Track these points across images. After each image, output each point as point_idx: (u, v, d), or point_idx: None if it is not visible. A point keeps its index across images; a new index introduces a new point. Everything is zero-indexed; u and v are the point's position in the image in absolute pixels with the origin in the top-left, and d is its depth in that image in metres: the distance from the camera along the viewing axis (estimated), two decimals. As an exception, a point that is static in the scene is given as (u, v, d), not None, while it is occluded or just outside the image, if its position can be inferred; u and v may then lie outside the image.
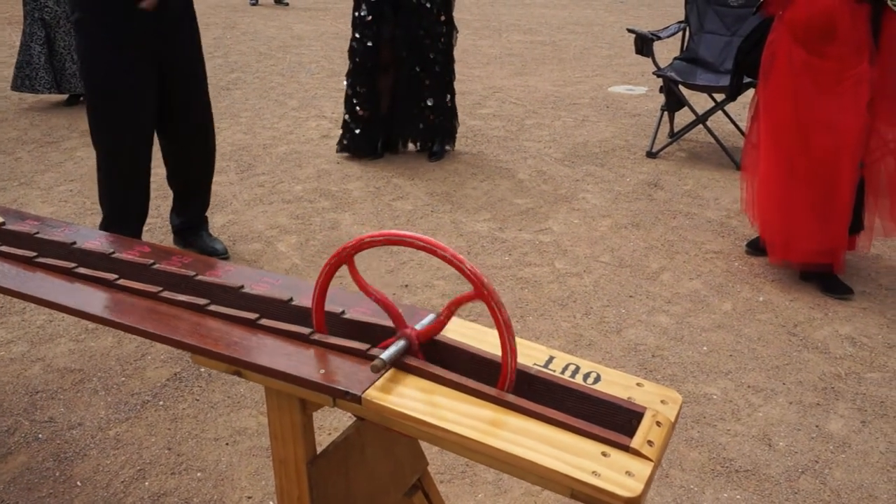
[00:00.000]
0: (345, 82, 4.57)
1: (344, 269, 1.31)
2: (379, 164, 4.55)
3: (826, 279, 3.14)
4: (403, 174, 4.41)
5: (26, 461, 2.17)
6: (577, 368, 1.28)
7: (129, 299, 1.52)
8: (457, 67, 4.66)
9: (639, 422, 1.15)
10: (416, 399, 1.19)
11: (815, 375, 2.61)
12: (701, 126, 4.67)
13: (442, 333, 1.34)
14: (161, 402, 2.42)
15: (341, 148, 4.64)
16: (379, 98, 4.53)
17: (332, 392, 1.23)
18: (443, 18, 4.40)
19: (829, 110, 2.93)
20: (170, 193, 3.41)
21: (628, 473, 1.05)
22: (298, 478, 1.33)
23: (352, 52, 4.45)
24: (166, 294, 1.50)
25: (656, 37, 4.67)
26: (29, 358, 2.65)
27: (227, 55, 7.41)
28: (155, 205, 3.44)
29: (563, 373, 1.26)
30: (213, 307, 1.45)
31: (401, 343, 1.27)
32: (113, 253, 1.69)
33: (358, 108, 4.50)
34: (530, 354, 1.30)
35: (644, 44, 4.64)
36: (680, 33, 4.94)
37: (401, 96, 4.54)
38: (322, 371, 1.26)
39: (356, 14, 4.39)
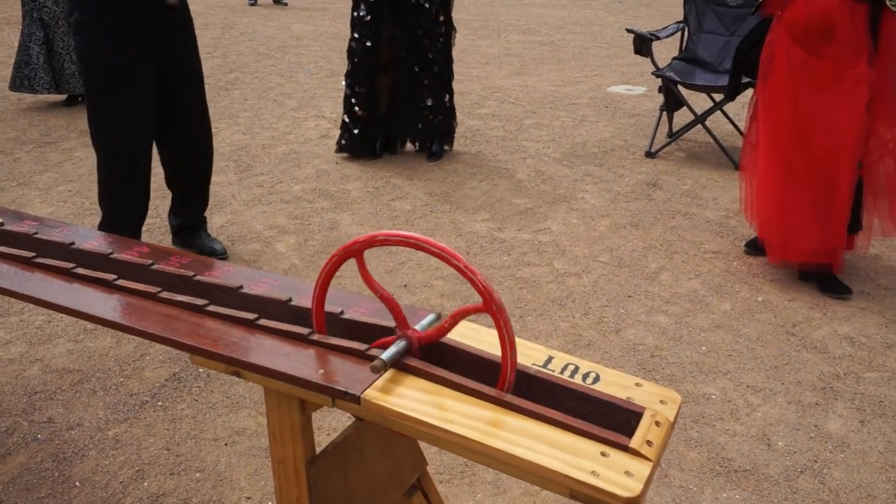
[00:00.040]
0: (343, 82, 4.56)
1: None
2: (378, 165, 4.55)
3: (825, 279, 3.14)
4: (402, 174, 4.41)
5: (25, 462, 2.17)
6: (577, 368, 1.28)
7: (127, 300, 1.52)
8: (455, 67, 4.67)
9: (638, 422, 1.15)
10: (415, 399, 1.19)
11: (814, 375, 2.62)
12: (700, 126, 4.67)
13: (441, 333, 1.34)
14: (160, 403, 2.42)
15: (340, 148, 4.64)
16: (378, 98, 4.53)
17: (331, 392, 1.23)
18: (441, 18, 4.40)
19: (827, 110, 2.93)
20: (168, 194, 3.41)
21: (627, 473, 1.06)
22: (297, 478, 1.33)
23: (350, 52, 4.45)
24: (165, 294, 1.50)
25: (655, 37, 4.67)
26: (28, 358, 2.65)
27: (226, 55, 7.41)
28: (153, 205, 3.44)
29: (562, 373, 1.26)
30: (211, 307, 1.45)
31: (401, 344, 1.27)
32: (111, 253, 1.68)
33: (357, 108, 4.50)
34: (529, 354, 1.30)
35: (643, 44, 4.64)
36: (679, 33, 4.94)
37: (399, 96, 4.54)
38: (321, 371, 1.26)
39: (355, 14, 4.39)
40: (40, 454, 2.20)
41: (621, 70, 7.07)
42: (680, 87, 4.63)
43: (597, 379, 1.25)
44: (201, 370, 2.56)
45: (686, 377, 2.59)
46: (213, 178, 3.47)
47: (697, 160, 4.70)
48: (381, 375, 1.24)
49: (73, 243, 1.74)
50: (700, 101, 4.94)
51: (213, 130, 3.34)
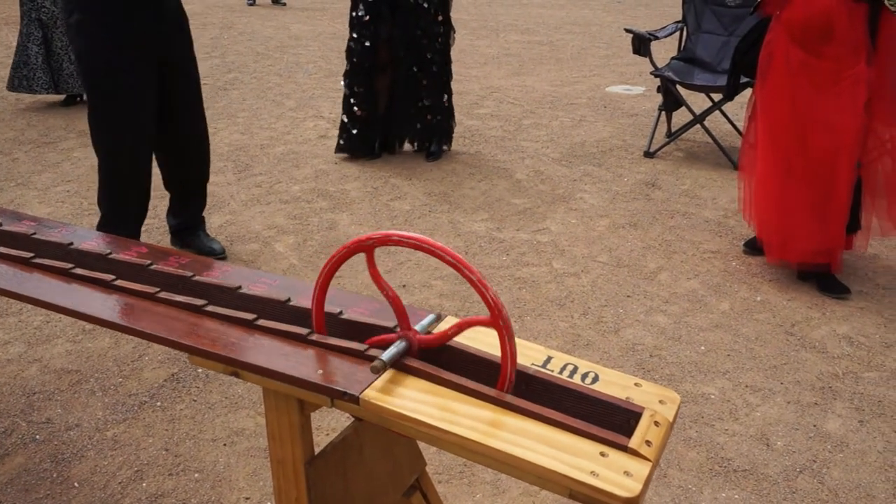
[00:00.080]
0: (342, 83, 4.56)
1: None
2: (376, 165, 4.55)
3: (823, 279, 3.14)
4: (401, 174, 4.40)
5: (24, 462, 2.17)
6: (576, 368, 1.28)
7: (126, 300, 1.51)
8: (454, 67, 4.67)
9: (637, 422, 1.15)
10: (414, 400, 1.19)
11: (813, 375, 2.62)
12: (698, 126, 4.67)
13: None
14: (158, 403, 2.42)
15: (339, 148, 4.64)
16: (377, 98, 4.53)
17: (330, 392, 1.23)
18: (440, 18, 4.40)
19: (826, 110, 2.93)
20: (167, 194, 3.41)
21: (626, 473, 1.05)
22: (296, 478, 1.33)
23: (349, 52, 4.45)
24: (164, 295, 1.50)
25: (654, 37, 4.67)
26: (26, 359, 2.65)
27: (225, 55, 7.40)
28: (152, 205, 3.43)
29: (561, 373, 1.26)
30: (210, 308, 1.45)
31: (401, 344, 1.27)
32: (110, 254, 1.68)
33: (356, 108, 4.50)
34: (528, 354, 1.30)
35: (641, 44, 4.64)
36: (677, 33, 4.94)
37: (398, 96, 4.54)
38: (320, 371, 1.26)
39: (354, 14, 4.38)
40: (39, 455, 2.20)
41: (620, 70, 7.07)
42: (679, 87, 4.63)
43: (596, 379, 1.25)
44: (200, 370, 2.56)
45: (685, 377, 2.59)
46: (212, 179, 3.47)
47: (696, 160, 4.70)
48: (380, 376, 1.24)
49: (71, 243, 1.74)
50: (699, 101, 4.95)
51: (212, 130, 3.35)
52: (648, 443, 1.11)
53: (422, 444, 1.57)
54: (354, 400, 1.20)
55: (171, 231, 3.41)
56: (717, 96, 4.63)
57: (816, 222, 3.02)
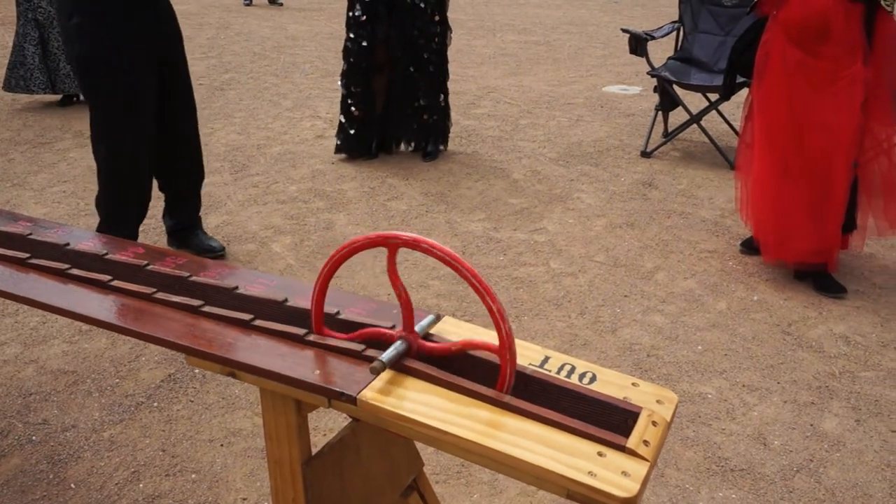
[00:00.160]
0: (339, 83, 4.56)
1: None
2: (373, 165, 4.55)
3: (820, 278, 3.15)
4: (398, 174, 4.40)
5: (20, 463, 2.16)
6: (573, 368, 1.28)
7: (122, 300, 1.51)
8: (451, 67, 4.66)
9: (634, 421, 1.15)
10: (412, 400, 1.19)
11: (810, 374, 2.62)
12: (695, 126, 4.68)
13: (438, 333, 1.34)
14: (155, 404, 2.42)
15: (338, 149, 4.63)
16: (374, 98, 4.53)
17: (327, 393, 1.22)
18: (437, 18, 4.40)
19: (823, 110, 2.93)
20: (163, 195, 3.40)
21: (624, 473, 1.05)
22: (293, 479, 1.33)
23: (346, 53, 4.45)
24: (160, 295, 1.49)
25: (650, 37, 4.67)
26: (22, 360, 2.64)
27: (221, 55, 7.39)
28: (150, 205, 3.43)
29: (558, 373, 1.26)
30: (207, 308, 1.45)
31: (402, 346, 1.26)
32: (106, 254, 1.68)
33: (353, 108, 4.50)
34: (526, 354, 1.30)
35: (638, 44, 4.65)
36: (674, 33, 4.95)
37: (395, 96, 4.54)
38: (317, 372, 1.25)
39: (350, 14, 4.38)
40: (35, 456, 2.19)
41: (617, 70, 7.07)
42: (675, 87, 4.64)
43: (593, 379, 1.25)
44: (197, 371, 2.55)
45: (682, 377, 2.59)
46: (208, 179, 3.47)
47: (693, 160, 4.70)
48: (377, 376, 1.24)
49: (67, 244, 1.73)
50: (695, 101, 4.95)
51: (209, 131, 3.35)
52: (646, 443, 1.11)
53: (419, 445, 1.57)
54: (352, 400, 1.20)
55: (168, 232, 3.41)
56: (713, 96, 4.64)
57: (813, 222, 3.03)
